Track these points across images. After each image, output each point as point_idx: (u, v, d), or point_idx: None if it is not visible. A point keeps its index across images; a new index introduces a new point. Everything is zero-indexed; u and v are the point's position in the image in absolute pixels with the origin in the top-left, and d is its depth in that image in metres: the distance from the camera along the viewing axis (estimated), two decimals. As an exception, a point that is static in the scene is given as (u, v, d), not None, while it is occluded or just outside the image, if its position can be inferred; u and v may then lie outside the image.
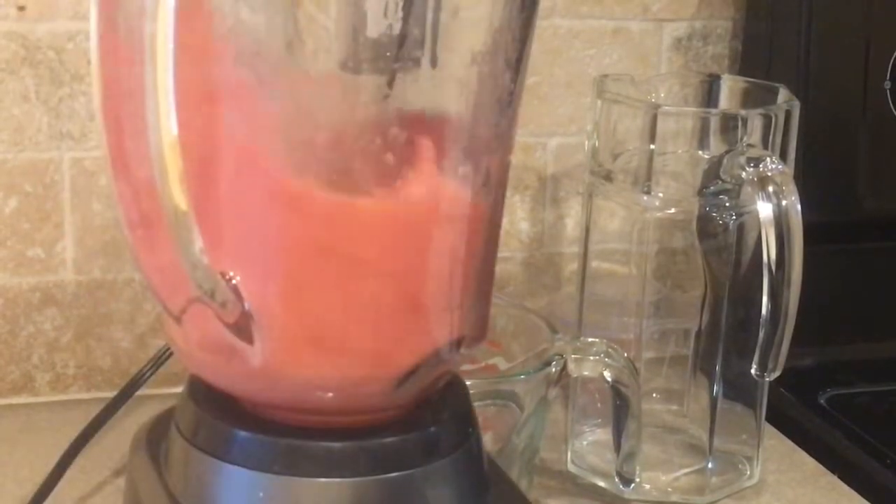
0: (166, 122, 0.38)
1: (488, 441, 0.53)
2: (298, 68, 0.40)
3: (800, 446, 0.67)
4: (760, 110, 0.60)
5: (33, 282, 0.72)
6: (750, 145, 0.58)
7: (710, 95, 0.67)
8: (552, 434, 0.63)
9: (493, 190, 0.45)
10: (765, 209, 0.55)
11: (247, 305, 0.41)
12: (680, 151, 0.60)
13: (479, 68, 0.42)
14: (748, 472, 0.63)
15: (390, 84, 0.40)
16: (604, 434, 0.62)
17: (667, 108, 0.61)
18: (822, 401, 0.71)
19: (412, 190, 0.42)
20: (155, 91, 0.37)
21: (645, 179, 0.60)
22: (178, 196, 0.38)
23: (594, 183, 0.62)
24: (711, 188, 0.59)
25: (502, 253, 0.71)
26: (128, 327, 0.72)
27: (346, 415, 0.44)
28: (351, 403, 0.44)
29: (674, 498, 0.62)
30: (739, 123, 0.59)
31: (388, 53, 0.39)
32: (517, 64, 0.44)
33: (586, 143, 0.63)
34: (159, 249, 0.40)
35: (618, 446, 0.57)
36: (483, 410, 0.52)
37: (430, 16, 0.40)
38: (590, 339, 0.57)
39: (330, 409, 0.44)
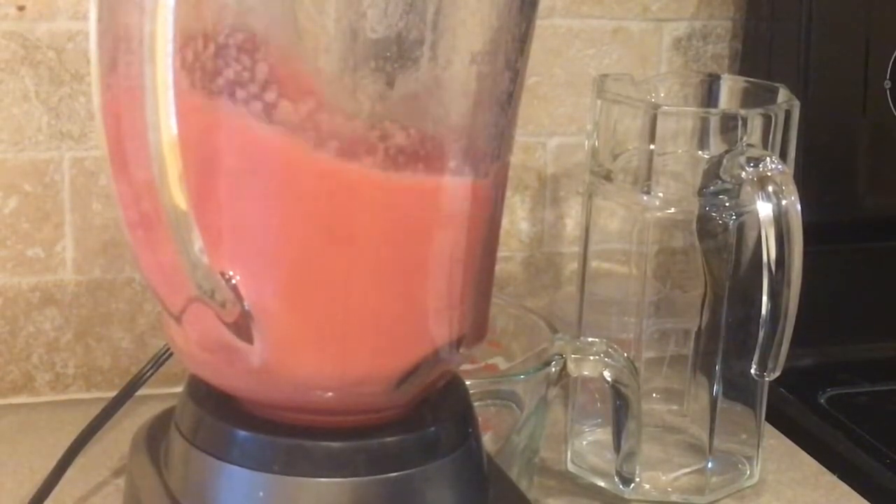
0: (166, 122, 0.38)
1: (488, 441, 0.53)
2: (299, 68, 0.40)
3: (800, 446, 0.67)
4: (760, 110, 0.60)
5: (33, 282, 0.72)
6: (750, 145, 0.58)
7: (710, 95, 0.67)
8: (552, 434, 0.63)
9: (492, 190, 0.45)
10: (765, 209, 0.55)
11: (246, 305, 0.41)
12: (680, 151, 0.60)
13: (479, 68, 0.42)
14: (748, 472, 0.63)
15: (390, 84, 0.40)
16: (604, 434, 0.62)
17: (667, 108, 0.61)
18: (822, 401, 0.71)
19: (412, 190, 0.42)
20: (155, 91, 0.37)
21: (645, 179, 0.60)
22: (178, 196, 0.38)
23: (594, 183, 0.62)
24: (711, 188, 0.59)
25: (502, 253, 0.71)
26: (128, 327, 0.72)
27: (346, 415, 0.44)
28: (351, 403, 0.44)
29: (674, 498, 0.62)
30: (739, 123, 0.59)
31: (388, 53, 0.39)
32: (517, 64, 0.44)
33: (586, 143, 0.63)
34: (159, 249, 0.40)
35: (618, 446, 0.57)
36: (483, 410, 0.52)
37: (429, 16, 0.40)
38: (590, 339, 0.57)
39: (330, 408, 0.44)
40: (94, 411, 0.58)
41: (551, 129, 0.78)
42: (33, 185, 0.71)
